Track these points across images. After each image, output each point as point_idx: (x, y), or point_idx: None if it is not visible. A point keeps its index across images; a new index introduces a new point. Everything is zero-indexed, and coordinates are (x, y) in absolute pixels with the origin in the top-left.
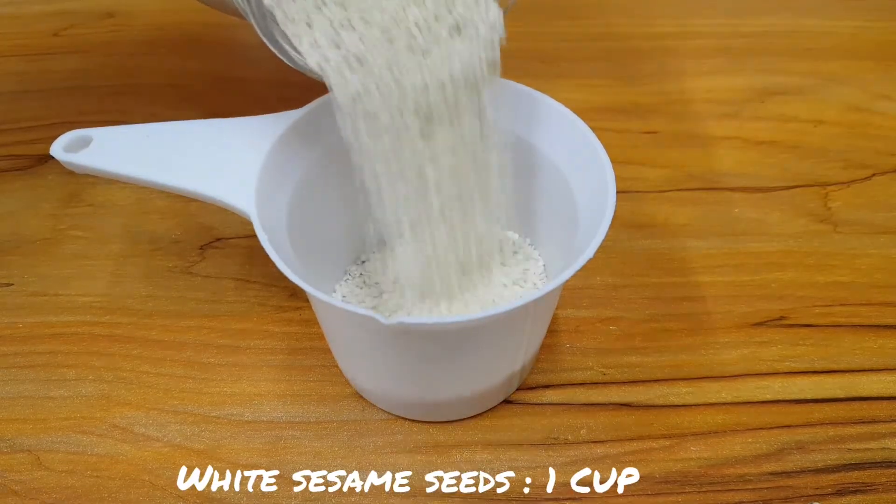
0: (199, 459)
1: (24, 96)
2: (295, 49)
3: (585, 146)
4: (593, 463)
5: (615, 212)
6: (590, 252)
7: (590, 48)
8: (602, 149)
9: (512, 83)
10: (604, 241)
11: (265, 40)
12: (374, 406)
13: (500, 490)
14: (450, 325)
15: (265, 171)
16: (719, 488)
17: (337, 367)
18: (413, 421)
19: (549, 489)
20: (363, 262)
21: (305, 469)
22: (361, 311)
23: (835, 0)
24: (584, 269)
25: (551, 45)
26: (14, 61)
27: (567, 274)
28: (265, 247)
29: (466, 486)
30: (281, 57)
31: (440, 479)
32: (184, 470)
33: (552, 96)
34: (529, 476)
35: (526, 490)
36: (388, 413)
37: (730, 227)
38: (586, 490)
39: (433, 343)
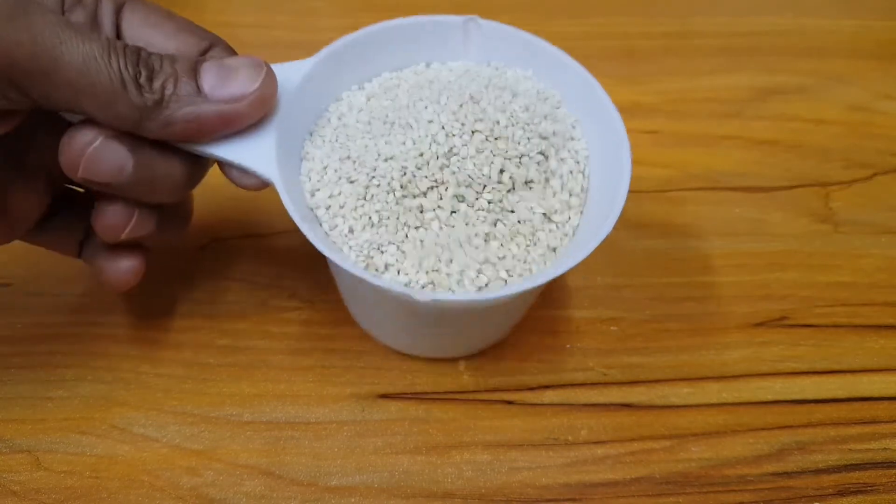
0: (198, 460)
1: None
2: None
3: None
4: (594, 464)
5: None
6: (607, 227)
7: (590, 47)
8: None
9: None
10: (605, 241)
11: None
12: (374, 406)
13: (500, 491)
14: (483, 301)
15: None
16: (720, 489)
17: (337, 367)
18: (413, 421)
19: (550, 490)
20: None
21: (305, 470)
22: (397, 288)
23: None
24: (584, 269)
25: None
26: None
27: (586, 251)
28: (294, 219)
29: (466, 486)
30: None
31: (440, 480)
32: (183, 470)
33: None
34: (530, 477)
35: (526, 490)
36: (388, 413)
37: (731, 227)
38: (587, 491)
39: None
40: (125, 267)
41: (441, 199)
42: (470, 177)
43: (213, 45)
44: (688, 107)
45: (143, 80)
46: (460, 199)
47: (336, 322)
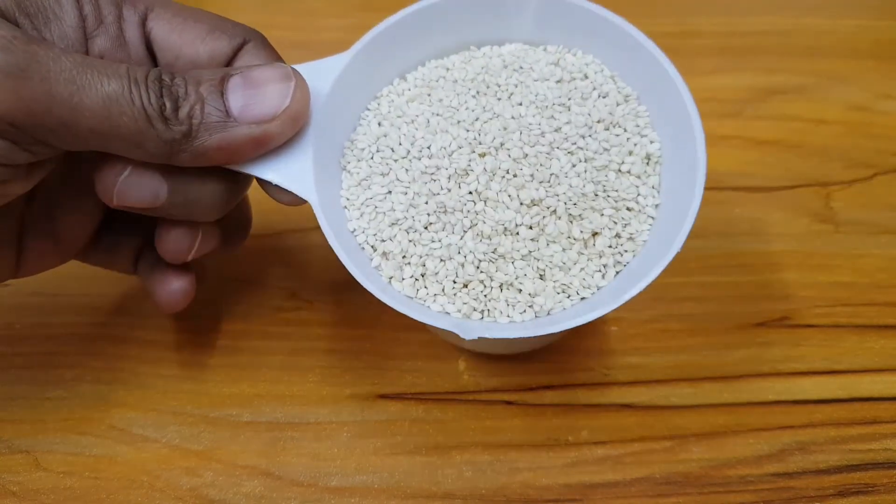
0: (197, 460)
1: None
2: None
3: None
4: (594, 464)
5: None
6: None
7: None
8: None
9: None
10: None
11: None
12: (374, 407)
13: (500, 491)
14: (529, 339)
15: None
16: (721, 489)
17: (336, 367)
18: (413, 421)
19: (550, 490)
20: None
21: (305, 470)
22: (444, 325)
23: None
24: None
25: None
26: None
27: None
28: (336, 251)
29: (466, 487)
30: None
31: (440, 481)
32: (183, 471)
33: None
34: (530, 477)
35: (526, 491)
36: (388, 414)
37: (731, 227)
38: (587, 491)
39: None
40: (176, 288)
41: (495, 222)
42: (532, 200)
43: (247, 41)
44: None
45: (168, 112)
46: (507, 229)
47: (336, 322)
